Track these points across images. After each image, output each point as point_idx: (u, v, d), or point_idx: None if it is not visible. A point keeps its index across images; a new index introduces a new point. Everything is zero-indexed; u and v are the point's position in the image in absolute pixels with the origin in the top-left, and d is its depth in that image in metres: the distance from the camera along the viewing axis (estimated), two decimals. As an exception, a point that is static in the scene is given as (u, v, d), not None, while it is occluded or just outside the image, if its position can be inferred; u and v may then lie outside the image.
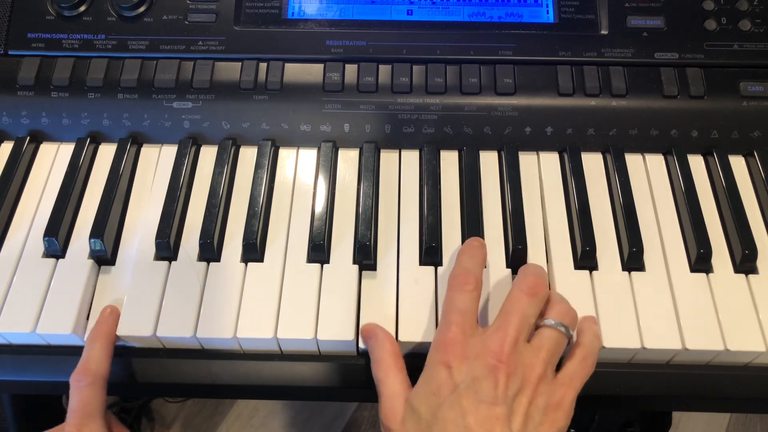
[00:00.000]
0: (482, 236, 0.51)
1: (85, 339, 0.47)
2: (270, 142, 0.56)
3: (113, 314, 0.47)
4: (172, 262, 0.51)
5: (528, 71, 0.57)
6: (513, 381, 0.40)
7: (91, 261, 0.51)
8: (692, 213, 0.52)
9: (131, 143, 0.56)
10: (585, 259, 0.50)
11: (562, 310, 0.44)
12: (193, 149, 0.57)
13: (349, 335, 0.47)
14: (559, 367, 0.43)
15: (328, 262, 0.51)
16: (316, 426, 1.17)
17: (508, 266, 0.51)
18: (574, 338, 0.45)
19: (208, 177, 0.55)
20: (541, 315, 0.44)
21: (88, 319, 0.49)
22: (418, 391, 0.42)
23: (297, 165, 0.56)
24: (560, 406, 0.41)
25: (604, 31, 0.58)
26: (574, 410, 0.42)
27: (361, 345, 0.47)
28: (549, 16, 0.59)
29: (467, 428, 0.38)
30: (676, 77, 0.57)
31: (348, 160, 0.56)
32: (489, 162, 0.56)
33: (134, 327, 0.47)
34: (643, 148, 0.57)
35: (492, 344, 0.41)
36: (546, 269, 0.50)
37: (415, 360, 0.45)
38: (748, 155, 0.57)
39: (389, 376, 0.44)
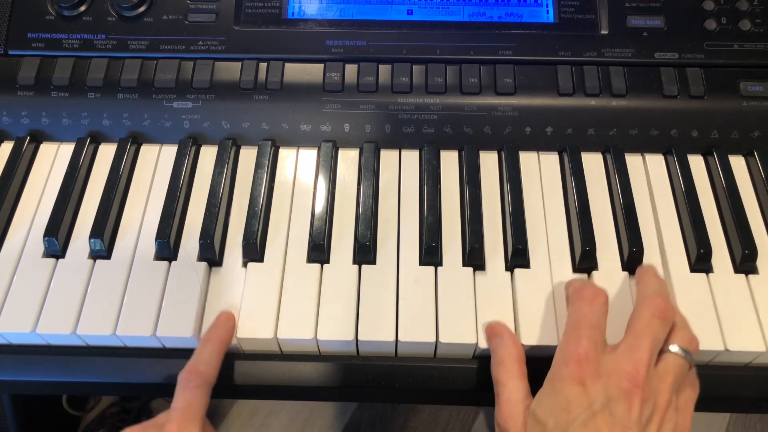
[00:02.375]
0: (482, 236, 0.51)
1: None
2: (270, 142, 0.56)
3: (229, 320, 0.47)
4: (172, 262, 0.51)
5: (528, 71, 0.57)
6: (646, 407, 0.39)
7: (91, 261, 0.51)
8: (692, 213, 0.52)
9: (131, 143, 0.56)
10: (585, 259, 0.50)
11: (687, 337, 0.43)
12: (193, 149, 0.57)
13: (349, 335, 0.47)
14: None
15: (328, 262, 0.51)
16: (316, 426, 1.17)
17: (507, 266, 0.51)
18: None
19: (208, 177, 0.55)
20: (665, 340, 0.43)
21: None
22: (544, 404, 0.40)
23: (297, 165, 0.56)
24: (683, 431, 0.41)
25: (604, 31, 0.58)
26: None
27: (361, 338, 0.47)
28: (549, 16, 0.59)
29: None
30: (676, 77, 0.57)
31: (348, 160, 0.56)
32: (489, 162, 0.56)
33: (134, 327, 0.47)
34: (643, 148, 0.57)
35: (626, 366, 0.40)
36: (550, 269, 0.50)
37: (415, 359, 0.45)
38: (748, 155, 0.57)
39: (512, 380, 0.43)
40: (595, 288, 0.44)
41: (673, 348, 0.42)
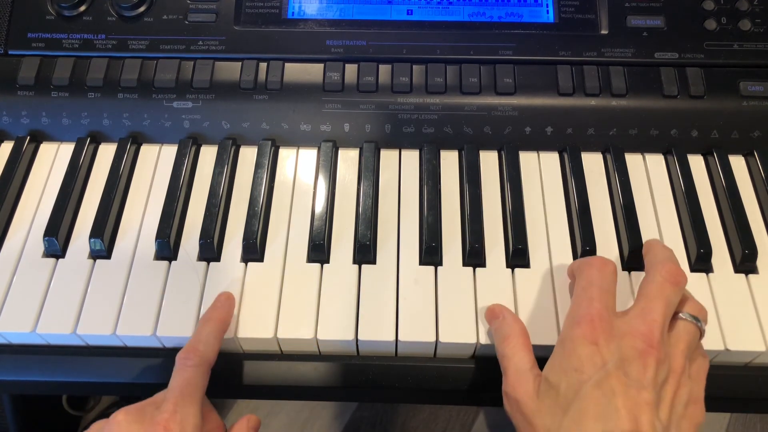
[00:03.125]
0: (482, 236, 0.51)
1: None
2: (270, 142, 0.56)
3: (229, 300, 0.47)
4: (172, 262, 0.51)
5: (528, 71, 0.57)
6: (662, 368, 0.38)
7: (91, 261, 0.51)
8: (692, 213, 0.52)
9: (131, 143, 0.56)
10: (585, 259, 0.50)
11: (697, 306, 0.42)
12: (193, 149, 0.57)
13: (349, 335, 0.47)
14: None
15: (328, 261, 0.51)
16: (316, 426, 1.17)
17: (508, 266, 0.51)
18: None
19: (208, 177, 0.55)
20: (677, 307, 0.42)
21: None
22: (556, 366, 0.40)
23: (297, 165, 0.56)
24: (698, 401, 0.40)
25: (604, 31, 0.58)
26: None
27: (361, 338, 0.47)
28: (549, 15, 0.59)
29: (615, 410, 0.36)
30: (676, 77, 0.57)
31: (348, 159, 0.56)
32: (489, 162, 0.56)
33: (134, 327, 0.47)
34: (643, 148, 0.57)
35: (640, 327, 0.39)
36: (550, 269, 0.50)
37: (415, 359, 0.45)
38: (748, 155, 0.57)
39: (518, 352, 0.42)
40: (603, 258, 0.44)
41: (685, 315, 0.41)
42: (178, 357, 0.43)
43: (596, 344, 0.38)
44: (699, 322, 0.41)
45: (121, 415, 0.40)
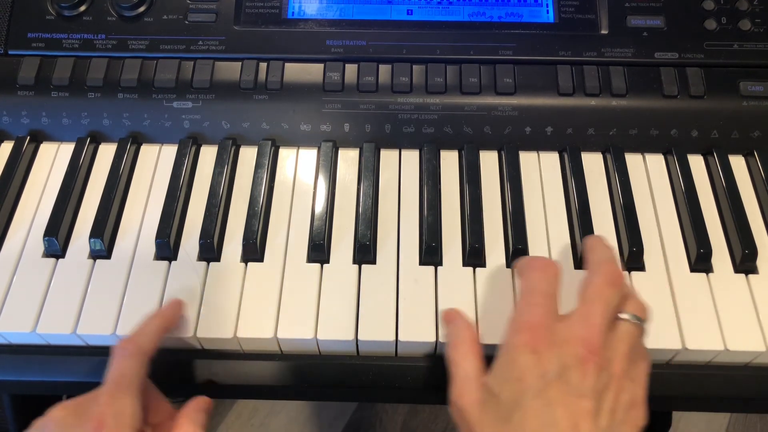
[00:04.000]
0: (482, 236, 0.51)
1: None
2: (270, 142, 0.56)
3: (180, 305, 0.48)
4: (172, 262, 0.51)
5: (528, 71, 0.57)
6: (602, 375, 0.38)
7: (91, 261, 0.51)
8: (692, 213, 0.52)
9: (131, 143, 0.56)
10: (585, 259, 0.50)
11: (639, 306, 0.42)
12: (193, 149, 0.57)
13: (349, 335, 0.47)
14: None
15: (328, 261, 0.51)
16: (316, 426, 1.17)
17: (508, 266, 0.51)
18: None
19: (208, 177, 0.55)
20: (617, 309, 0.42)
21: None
22: (498, 374, 0.40)
23: (297, 165, 0.56)
24: (638, 404, 0.39)
25: (604, 31, 0.58)
26: None
27: (361, 338, 0.47)
28: (549, 15, 0.59)
29: (554, 420, 0.36)
30: (676, 77, 0.57)
31: (348, 159, 0.56)
32: (489, 162, 0.56)
33: (134, 327, 0.47)
34: (643, 148, 0.57)
35: (581, 333, 0.39)
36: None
37: (415, 359, 0.45)
38: (748, 155, 0.57)
39: (466, 359, 0.42)
40: (547, 259, 0.44)
41: (626, 315, 0.41)
42: (115, 346, 0.43)
43: (537, 353, 0.38)
44: (641, 321, 0.41)
45: (57, 411, 0.40)
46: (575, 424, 0.36)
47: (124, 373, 0.42)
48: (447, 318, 0.46)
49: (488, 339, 0.46)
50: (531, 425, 0.36)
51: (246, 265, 0.50)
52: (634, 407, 0.39)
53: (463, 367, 0.42)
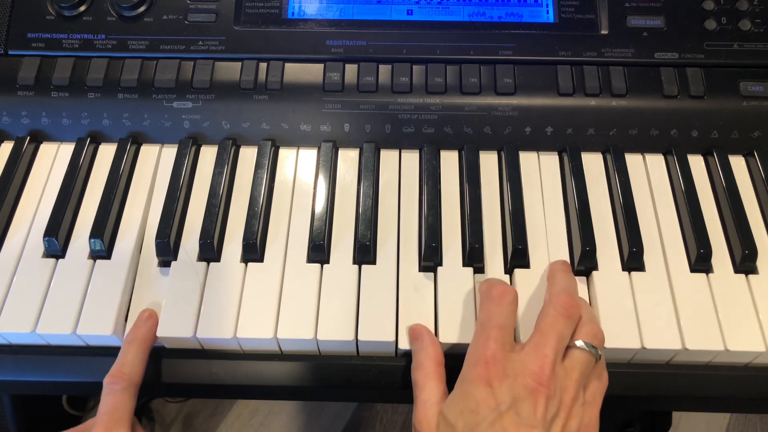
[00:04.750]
0: (482, 236, 0.51)
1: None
2: (270, 142, 0.56)
3: (151, 318, 0.47)
4: (172, 262, 0.51)
5: (528, 71, 0.57)
6: (552, 404, 0.40)
7: (91, 261, 0.51)
8: (692, 213, 0.52)
9: (131, 143, 0.56)
10: (585, 259, 0.50)
11: (592, 332, 0.44)
12: (193, 149, 0.57)
13: (349, 335, 0.47)
14: None
15: (328, 262, 0.51)
16: (316, 426, 1.17)
17: (507, 266, 0.51)
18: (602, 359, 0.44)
19: (208, 177, 0.55)
20: (571, 336, 0.44)
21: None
22: (453, 406, 0.41)
23: (297, 165, 0.56)
24: (589, 427, 0.41)
25: (604, 31, 0.58)
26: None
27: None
28: (549, 16, 0.59)
29: None
30: (676, 77, 0.57)
31: (348, 160, 0.56)
32: (489, 162, 0.56)
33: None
34: (643, 148, 0.57)
35: (532, 365, 0.40)
36: (546, 270, 0.50)
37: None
38: (748, 155, 0.57)
39: (429, 383, 0.43)
40: (503, 286, 0.45)
41: (579, 343, 0.43)
42: (105, 381, 0.44)
43: (491, 386, 0.40)
44: (593, 348, 0.43)
45: None
46: None
47: (117, 407, 0.43)
48: (413, 335, 0.47)
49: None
50: None
51: (246, 265, 0.50)
52: (584, 430, 0.41)
53: (426, 391, 0.43)
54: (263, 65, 0.57)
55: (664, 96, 0.56)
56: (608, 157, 0.56)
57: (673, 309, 0.48)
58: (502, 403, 0.39)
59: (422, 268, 0.50)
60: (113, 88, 0.57)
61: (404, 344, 0.47)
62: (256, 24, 0.58)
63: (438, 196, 0.53)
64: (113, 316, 0.48)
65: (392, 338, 0.47)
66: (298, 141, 0.57)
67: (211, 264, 0.51)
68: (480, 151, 0.56)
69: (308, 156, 0.57)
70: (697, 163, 0.56)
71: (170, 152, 0.56)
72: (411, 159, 0.56)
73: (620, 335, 0.47)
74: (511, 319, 0.44)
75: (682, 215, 0.53)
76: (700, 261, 0.50)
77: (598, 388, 0.43)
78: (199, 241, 0.50)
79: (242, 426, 1.17)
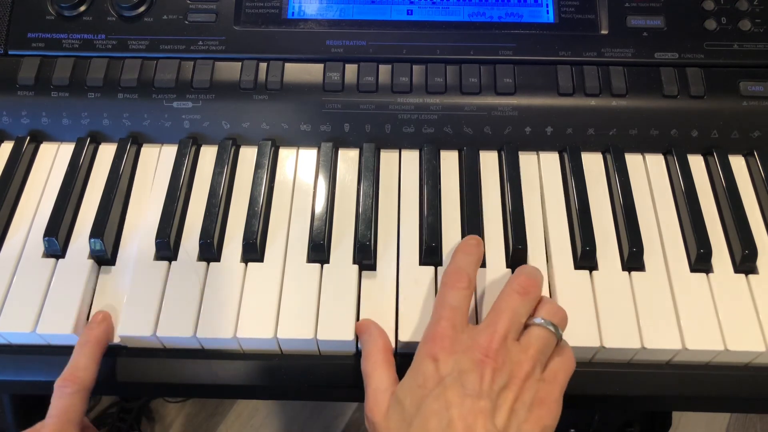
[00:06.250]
0: (482, 236, 0.51)
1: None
2: (270, 142, 0.56)
3: (105, 320, 0.47)
4: (172, 262, 0.51)
5: (528, 71, 0.57)
6: (499, 376, 0.40)
7: (91, 261, 0.51)
8: (692, 213, 0.52)
9: (131, 143, 0.56)
10: (585, 259, 0.50)
11: (552, 310, 0.44)
12: (193, 149, 0.57)
13: (349, 335, 0.47)
14: None
15: (328, 261, 0.51)
16: (316, 426, 1.17)
17: (508, 266, 0.51)
18: (563, 338, 0.44)
19: (208, 177, 0.55)
20: (531, 315, 0.44)
21: (88, 319, 0.49)
22: (404, 384, 0.42)
23: (297, 165, 0.56)
24: (545, 402, 0.41)
25: (604, 31, 0.58)
26: (561, 409, 0.42)
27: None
28: (549, 16, 0.59)
29: (450, 421, 0.38)
30: (676, 77, 0.57)
31: (348, 160, 0.56)
32: (489, 162, 0.56)
33: (134, 327, 0.47)
34: (643, 148, 0.57)
35: (480, 339, 0.41)
36: (546, 269, 0.50)
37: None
38: (748, 155, 0.57)
39: (377, 370, 0.44)
40: (459, 273, 0.45)
41: (537, 320, 0.43)
42: (56, 384, 0.44)
43: (437, 360, 0.41)
44: (552, 325, 0.43)
45: None
46: (469, 424, 0.38)
47: (67, 410, 0.43)
48: (360, 329, 0.47)
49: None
50: (430, 427, 0.38)
51: (246, 265, 0.50)
52: (540, 405, 0.41)
53: (375, 379, 0.43)
54: (263, 65, 0.57)
55: (664, 96, 0.56)
56: (608, 157, 0.56)
57: (673, 309, 0.48)
58: (447, 375, 0.40)
59: (422, 268, 0.50)
60: (113, 88, 0.57)
61: (404, 339, 0.47)
62: (256, 24, 0.58)
63: (438, 196, 0.53)
64: (113, 316, 0.48)
65: (393, 338, 0.47)
66: (298, 141, 0.57)
67: (211, 264, 0.51)
68: (480, 151, 0.56)
69: (308, 156, 0.57)
70: (697, 163, 0.56)
71: (170, 152, 0.56)
72: (411, 159, 0.56)
73: (620, 335, 0.47)
74: (464, 302, 0.44)
75: (682, 215, 0.53)
76: (700, 261, 0.50)
77: (559, 365, 0.43)
78: (199, 241, 0.50)
79: (242, 426, 1.17)
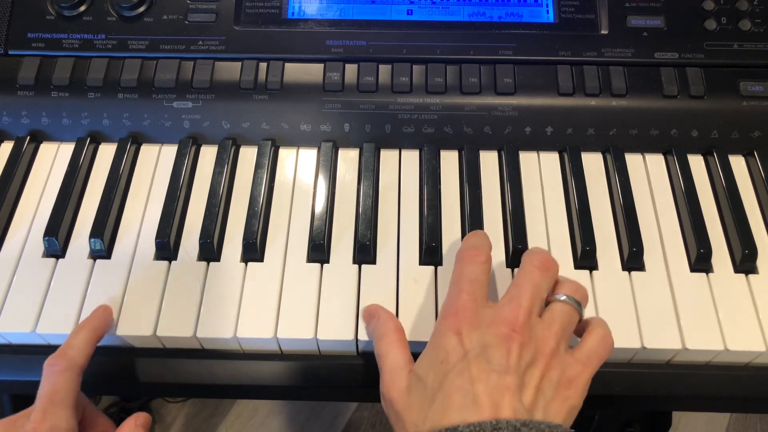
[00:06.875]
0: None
1: None
2: (270, 142, 0.56)
3: (106, 313, 0.47)
4: (172, 262, 0.51)
5: (528, 71, 0.57)
6: (526, 352, 0.38)
7: (91, 261, 0.51)
8: (692, 213, 0.52)
9: (131, 143, 0.56)
10: (585, 258, 0.50)
11: (573, 287, 0.43)
12: (193, 149, 0.57)
13: (349, 335, 0.47)
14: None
15: (328, 261, 0.51)
16: (316, 426, 1.17)
17: (508, 266, 0.51)
18: (584, 316, 0.43)
19: (208, 177, 0.55)
20: (551, 292, 0.43)
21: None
22: (424, 359, 0.40)
23: (297, 165, 0.56)
24: (574, 383, 0.39)
25: (604, 31, 0.58)
26: (587, 392, 0.40)
27: (361, 337, 0.47)
28: (549, 15, 0.59)
29: (475, 396, 0.36)
30: (676, 77, 0.57)
31: (348, 159, 0.56)
32: (489, 162, 0.56)
33: (134, 327, 0.47)
34: (643, 148, 0.57)
35: (505, 313, 0.39)
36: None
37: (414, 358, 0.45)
38: (748, 155, 0.57)
39: (392, 349, 0.42)
40: (476, 248, 0.44)
41: (560, 296, 0.42)
42: (45, 363, 0.42)
43: (460, 334, 0.39)
44: (576, 302, 0.42)
45: None
46: (495, 400, 0.36)
47: (56, 389, 0.41)
48: (369, 314, 0.46)
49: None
50: (454, 403, 0.36)
51: (246, 265, 0.50)
52: (568, 386, 0.39)
53: (391, 358, 0.42)
54: (263, 65, 0.57)
55: (664, 96, 0.56)
56: (608, 156, 0.56)
57: (673, 309, 0.48)
58: (471, 350, 0.38)
59: (422, 268, 0.50)
60: (113, 88, 0.57)
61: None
62: (256, 24, 0.58)
63: (438, 196, 0.53)
64: (113, 316, 0.48)
65: (392, 338, 0.47)
66: (298, 141, 0.57)
67: (211, 264, 0.51)
68: (480, 151, 0.56)
69: (308, 156, 0.57)
70: (697, 163, 0.56)
71: (170, 152, 0.56)
72: (411, 159, 0.56)
73: (620, 335, 0.47)
74: (483, 276, 0.43)
75: (682, 215, 0.53)
76: (700, 261, 0.50)
77: (596, 350, 0.41)
78: (199, 240, 0.50)
79: (242, 426, 1.17)
